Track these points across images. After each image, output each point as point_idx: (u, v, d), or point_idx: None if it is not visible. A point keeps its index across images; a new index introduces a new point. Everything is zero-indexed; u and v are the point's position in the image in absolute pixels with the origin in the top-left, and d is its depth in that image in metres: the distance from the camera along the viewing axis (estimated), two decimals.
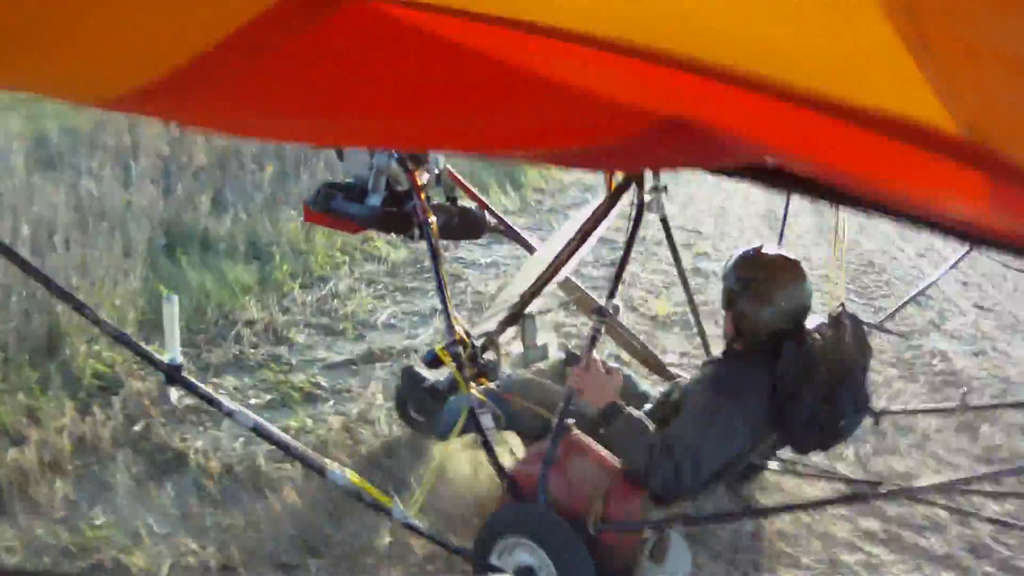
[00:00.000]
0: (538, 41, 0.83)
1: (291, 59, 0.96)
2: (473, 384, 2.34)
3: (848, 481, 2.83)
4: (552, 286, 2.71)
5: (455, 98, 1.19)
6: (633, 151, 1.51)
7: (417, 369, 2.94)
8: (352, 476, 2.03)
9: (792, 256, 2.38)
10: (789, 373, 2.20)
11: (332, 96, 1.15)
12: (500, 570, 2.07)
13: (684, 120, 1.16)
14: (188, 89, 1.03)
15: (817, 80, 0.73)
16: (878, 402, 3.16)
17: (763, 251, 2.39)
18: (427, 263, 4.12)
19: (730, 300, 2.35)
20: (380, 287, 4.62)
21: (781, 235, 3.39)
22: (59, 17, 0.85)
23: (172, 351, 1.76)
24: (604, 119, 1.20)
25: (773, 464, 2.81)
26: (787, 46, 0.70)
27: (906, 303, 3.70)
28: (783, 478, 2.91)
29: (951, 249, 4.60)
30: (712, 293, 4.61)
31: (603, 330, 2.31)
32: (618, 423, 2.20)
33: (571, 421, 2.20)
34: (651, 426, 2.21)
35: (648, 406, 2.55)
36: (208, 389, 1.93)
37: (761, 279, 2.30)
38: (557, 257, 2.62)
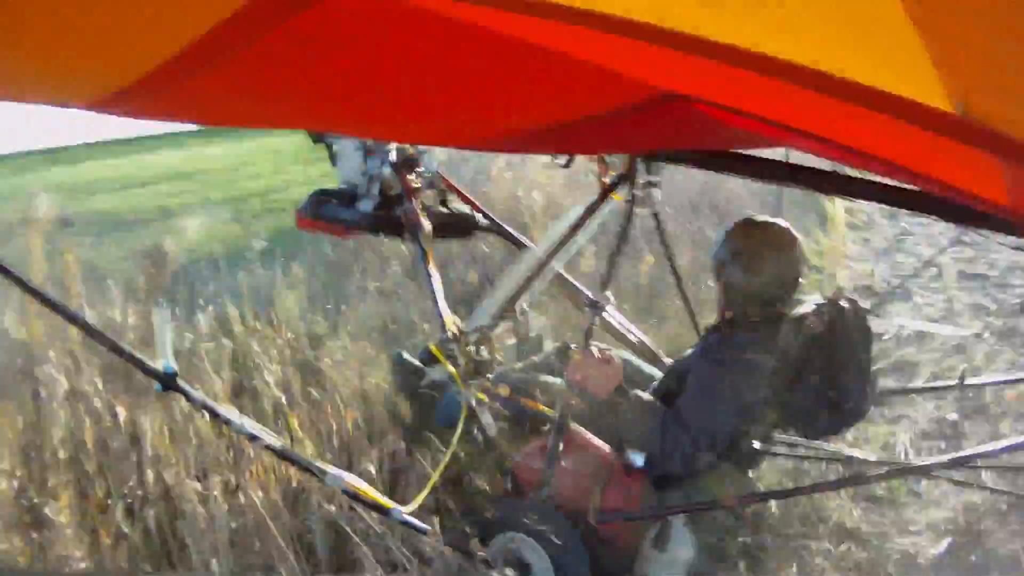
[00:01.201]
0: (533, 21, 0.83)
1: (284, 44, 0.96)
2: (470, 381, 2.35)
3: (860, 461, 2.79)
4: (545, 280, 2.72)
5: (452, 83, 1.18)
6: (630, 128, 1.50)
7: (406, 357, 2.94)
8: (350, 480, 2.04)
9: (783, 224, 2.33)
10: (790, 354, 2.17)
11: (324, 80, 1.14)
12: (498, 566, 2.07)
13: (679, 95, 1.16)
14: (184, 73, 1.02)
15: (817, 51, 0.73)
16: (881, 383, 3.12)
17: (753, 220, 2.36)
18: None
19: (720, 270, 2.32)
20: None
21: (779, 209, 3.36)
22: (42, 21, 0.86)
23: (165, 358, 1.77)
24: (601, 91, 1.19)
25: (777, 448, 2.80)
26: (786, 16, 0.69)
27: (900, 285, 3.69)
28: (788, 462, 2.89)
29: None
30: None
31: (597, 322, 2.31)
32: (626, 409, 2.17)
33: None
34: (659, 406, 2.20)
35: (654, 385, 2.55)
36: (203, 396, 1.94)
37: (750, 248, 2.27)
38: (549, 252, 2.63)
